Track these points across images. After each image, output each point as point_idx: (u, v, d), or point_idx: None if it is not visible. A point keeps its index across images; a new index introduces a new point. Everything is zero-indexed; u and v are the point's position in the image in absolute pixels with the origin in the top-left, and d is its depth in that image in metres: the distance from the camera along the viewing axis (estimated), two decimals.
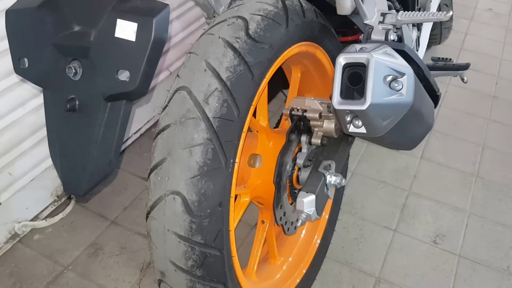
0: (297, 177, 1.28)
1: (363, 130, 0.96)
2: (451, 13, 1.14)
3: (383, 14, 1.18)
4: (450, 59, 1.74)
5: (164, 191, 0.94)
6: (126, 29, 0.65)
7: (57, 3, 0.68)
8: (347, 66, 0.93)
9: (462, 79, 1.60)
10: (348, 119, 0.97)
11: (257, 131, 1.23)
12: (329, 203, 1.57)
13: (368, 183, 1.95)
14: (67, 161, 0.71)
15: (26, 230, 1.67)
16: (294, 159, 1.25)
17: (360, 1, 1.13)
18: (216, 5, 1.39)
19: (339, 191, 1.62)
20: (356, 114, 0.94)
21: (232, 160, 0.97)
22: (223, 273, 1.00)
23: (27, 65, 0.71)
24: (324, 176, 1.20)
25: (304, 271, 1.42)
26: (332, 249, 1.67)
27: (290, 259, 1.41)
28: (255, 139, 1.26)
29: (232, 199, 1.02)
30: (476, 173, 2.02)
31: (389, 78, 0.94)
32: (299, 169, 1.27)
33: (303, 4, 1.18)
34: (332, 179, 1.21)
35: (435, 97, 1.41)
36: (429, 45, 2.78)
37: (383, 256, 1.67)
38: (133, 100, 0.74)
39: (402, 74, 0.94)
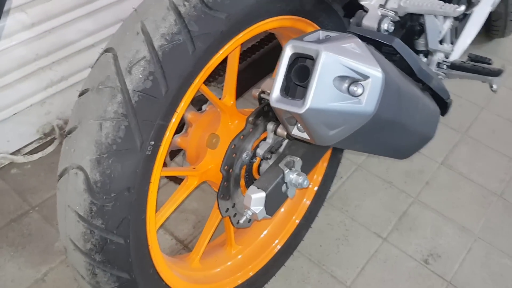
0: (258, 168, 1.13)
1: (306, 136, 0.80)
2: (462, 7, 0.92)
3: None
4: (489, 59, 1.48)
5: (69, 163, 0.84)
6: None
7: None
8: (297, 57, 0.76)
9: (491, 87, 1.35)
10: (293, 120, 0.80)
11: (219, 110, 1.09)
12: (305, 204, 1.42)
13: (371, 181, 1.77)
14: None
15: (5, 163, 1.65)
16: (256, 148, 1.10)
17: None
18: None
19: (324, 188, 1.46)
20: None
21: (152, 142, 0.84)
22: (127, 262, 0.89)
23: None
24: (283, 173, 1.05)
25: (251, 274, 1.28)
26: (308, 246, 1.53)
27: (239, 256, 1.28)
28: (219, 118, 1.12)
29: (152, 185, 0.90)
30: (500, 193, 1.77)
31: (347, 80, 0.76)
32: (261, 160, 1.13)
33: None
34: (292, 177, 1.06)
35: (443, 104, 1.20)
36: (490, 37, 2.46)
37: (362, 265, 1.51)
38: None
39: (365, 77, 0.76)
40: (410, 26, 1.23)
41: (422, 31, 1.25)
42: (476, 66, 1.31)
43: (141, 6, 0.86)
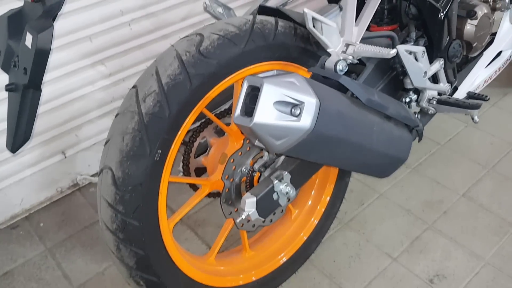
0: (258, 180, 1.42)
1: (262, 145, 1.08)
2: (394, 51, 1.15)
3: (347, 45, 1.24)
4: (486, 96, 1.66)
5: (103, 164, 1.19)
6: (28, 39, 0.92)
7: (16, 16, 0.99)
8: (252, 87, 1.06)
9: (472, 118, 1.52)
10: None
11: (226, 134, 1.41)
12: (312, 223, 1.65)
13: (391, 208, 1.94)
14: (9, 128, 1.03)
15: (86, 183, 2.08)
16: (254, 164, 1.39)
17: (317, 33, 1.21)
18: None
19: (332, 208, 1.69)
20: None
21: (160, 151, 1.18)
22: (141, 241, 1.21)
23: (2, 56, 1.03)
24: (273, 183, 1.32)
25: (254, 279, 1.52)
26: (322, 260, 1.75)
27: (251, 260, 1.54)
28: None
29: (163, 184, 1.22)
30: None
31: (290, 104, 1.04)
32: (260, 173, 1.41)
33: (279, 28, 1.30)
34: (281, 187, 1.33)
35: (413, 131, 1.41)
36: None
37: (369, 280, 1.69)
38: (36, 89, 1.00)
39: (301, 102, 1.03)
40: (394, 68, 1.47)
41: (405, 72, 1.47)
42: (458, 101, 1.50)
43: (159, 57, 1.23)
